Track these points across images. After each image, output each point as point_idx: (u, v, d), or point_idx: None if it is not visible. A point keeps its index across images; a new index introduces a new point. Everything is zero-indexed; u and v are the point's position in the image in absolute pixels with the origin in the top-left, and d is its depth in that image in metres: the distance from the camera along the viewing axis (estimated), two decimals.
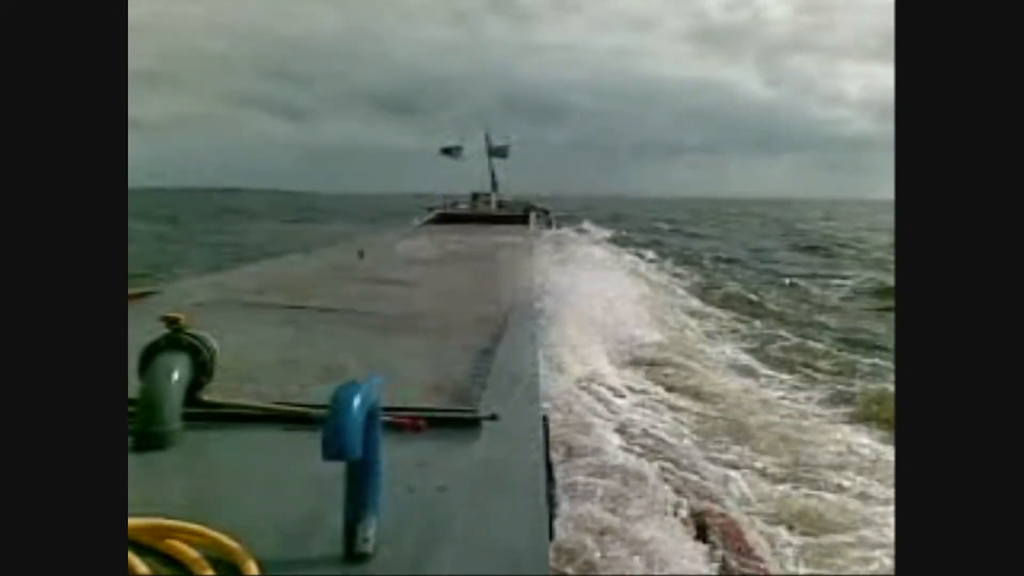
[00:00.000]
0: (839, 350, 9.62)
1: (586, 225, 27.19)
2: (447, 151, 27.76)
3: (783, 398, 7.32)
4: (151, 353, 1.99)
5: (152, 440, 1.85)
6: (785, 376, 8.20)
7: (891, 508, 4.61)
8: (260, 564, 1.27)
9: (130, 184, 1.45)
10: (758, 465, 5.35)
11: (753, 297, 14.39)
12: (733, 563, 3.79)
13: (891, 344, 9.27)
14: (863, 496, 4.87)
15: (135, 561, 1.24)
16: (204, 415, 2.02)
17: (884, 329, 11.09)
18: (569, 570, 3.18)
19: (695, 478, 4.74)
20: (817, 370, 8.52)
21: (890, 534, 4.20)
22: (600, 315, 8.46)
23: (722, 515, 4.36)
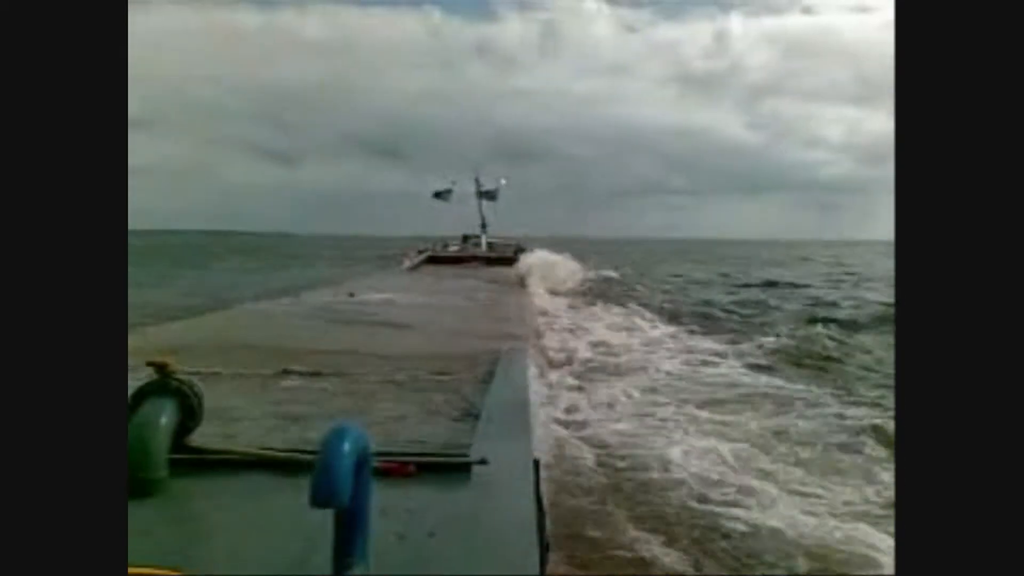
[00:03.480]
0: None
1: None
2: (438, 194, 28.07)
3: None
4: (139, 398, 1.96)
5: (139, 487, 1.81)
6: None
7: None
8: None
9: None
10: None
11: None
12: None
13: None
14: None
15: None
16: (191, 461, 1.99)
17: None
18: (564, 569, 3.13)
19: None
20: None
21: None
22: None
23: None
